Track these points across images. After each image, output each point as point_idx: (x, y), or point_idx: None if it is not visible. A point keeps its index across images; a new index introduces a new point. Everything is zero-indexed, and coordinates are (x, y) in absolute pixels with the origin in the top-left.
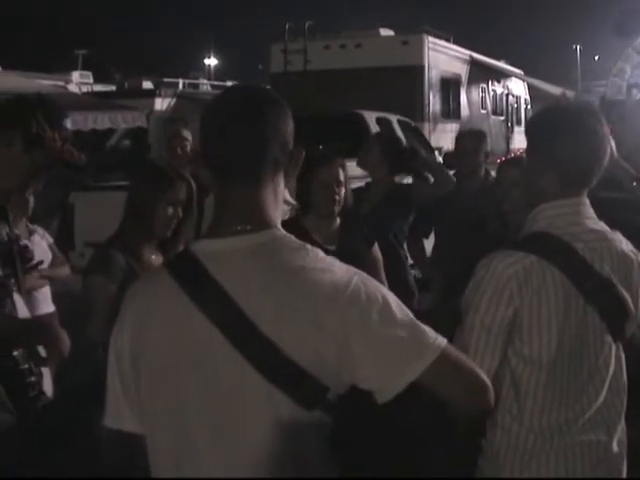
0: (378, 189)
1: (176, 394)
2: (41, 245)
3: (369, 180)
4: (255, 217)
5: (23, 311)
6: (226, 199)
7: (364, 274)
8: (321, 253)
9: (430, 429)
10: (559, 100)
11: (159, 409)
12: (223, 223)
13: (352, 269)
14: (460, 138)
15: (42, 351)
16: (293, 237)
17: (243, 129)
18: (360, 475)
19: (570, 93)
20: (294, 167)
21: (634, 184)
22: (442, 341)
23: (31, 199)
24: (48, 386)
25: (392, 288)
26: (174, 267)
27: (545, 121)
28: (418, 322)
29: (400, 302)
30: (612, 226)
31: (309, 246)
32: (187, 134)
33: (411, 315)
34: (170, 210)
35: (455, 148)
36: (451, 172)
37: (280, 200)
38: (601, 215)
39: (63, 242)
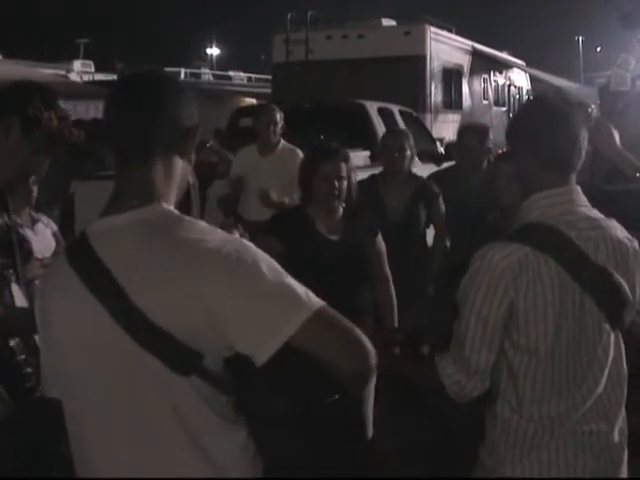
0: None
1: (72, 368)
2: (45, 233)
3: (375, 172)
4: (143, 194)
5: (21, 301)
6: (120, 179)
7: (242, 241)
8: (201, 224)
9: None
10: (538, 95)
11: (60, 381)
12: (116, 202)
13: (230, 237)
14: (463, 133)
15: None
16: (176, 211)
17: (130, 113)
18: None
19: (567, 83)
20: (191, 144)
21: (638, 175)
22: (317, 303)
23: (35, 188)
24: None
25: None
26: (67, 248)
27: (524, 116)
28: (294, 284)
29: (277, 266)
30: (617, 217)
31: (188, 218)
32: None
33: (285, 278)
34: None
35: (457, 143)
36: (452, 163)
37: (174, 179)
38: (606, 207)
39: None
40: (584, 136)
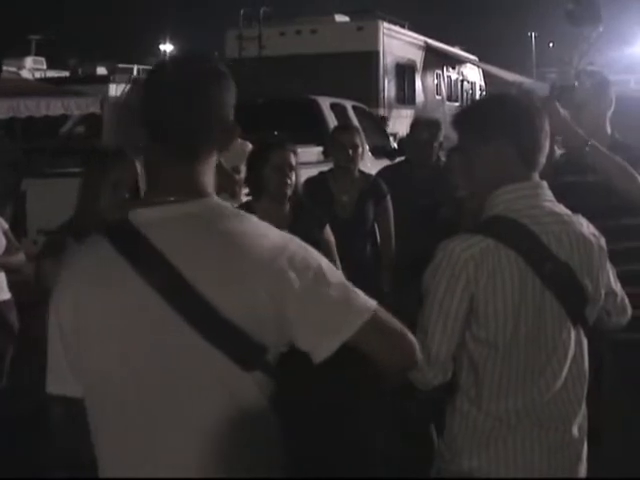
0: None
1: (119, 358)
2: None
3: (324, 169)
4: (191, 188)
5: None
6: (162, 170)
7: (298, 240)
8: (257, 220)
9: (361, 388)
10: (499, 91)
11: (102, 373)
12: (159, 193)
13: (288, 235)
14: (415, 127)
15: None
16: (229, 205)
17: (183, 102)
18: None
19: (520, 78)
20: (229, 142)
21: (587, 149)
22: (373, 304)
23: None
24: None
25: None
26: (111, 234)
27: (492, 111)
28: (350, 285)
29: (333, 267)
30: (577, 211)
31: (245, 213)
32: None
33: (343, 279)
34: (115, 190)
35: (410, 136)
36: (404, 158)
37: (213, 172)
38: (566, 200)
39: (15, 229)
40: (547, 136)
